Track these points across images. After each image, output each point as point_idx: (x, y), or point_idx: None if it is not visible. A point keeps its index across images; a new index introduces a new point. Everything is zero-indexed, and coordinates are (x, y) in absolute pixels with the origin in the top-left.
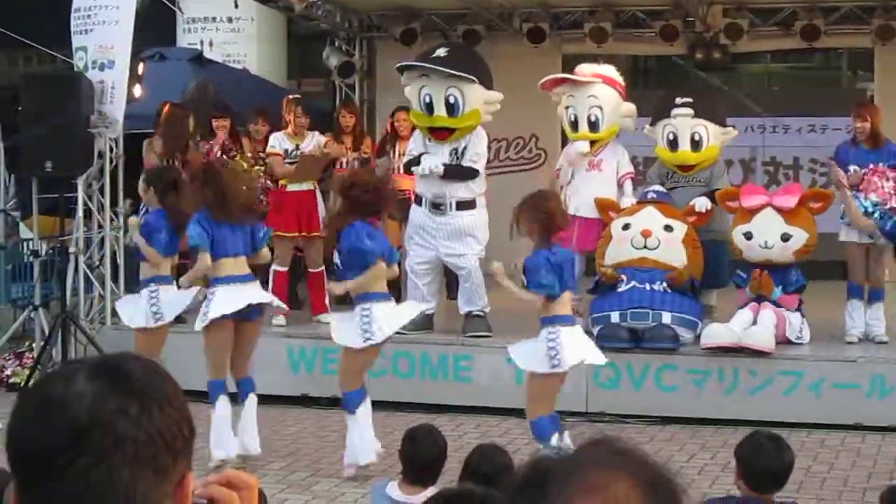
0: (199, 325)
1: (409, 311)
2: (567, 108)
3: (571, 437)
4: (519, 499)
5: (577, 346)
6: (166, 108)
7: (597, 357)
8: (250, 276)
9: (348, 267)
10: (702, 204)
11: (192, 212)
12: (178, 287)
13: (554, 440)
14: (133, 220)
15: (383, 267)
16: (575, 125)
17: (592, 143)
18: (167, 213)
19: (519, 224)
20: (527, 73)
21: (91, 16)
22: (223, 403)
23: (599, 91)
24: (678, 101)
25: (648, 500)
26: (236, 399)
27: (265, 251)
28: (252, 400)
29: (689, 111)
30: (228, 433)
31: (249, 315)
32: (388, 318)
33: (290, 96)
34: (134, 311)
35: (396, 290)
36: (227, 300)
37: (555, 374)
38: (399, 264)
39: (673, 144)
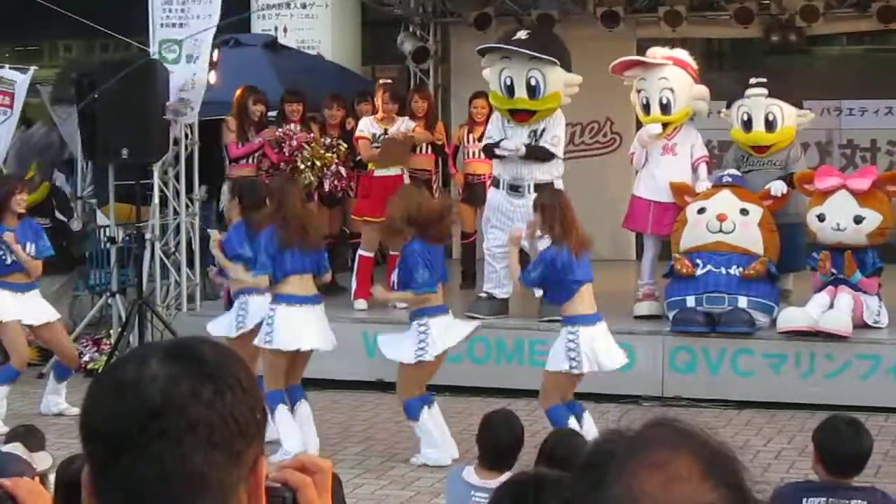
0: (260, 342)
1: (465, 329)
2: (639, 91)
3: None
4: (581, 478)
5: (598, 350)
6: (239, 91)
7: (616, 360)
8: (316, 297)
9: (405, 286)
10: (777, 188)
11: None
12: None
13: (573, 423)
14: (215, 234)
15: (439, 290)
16: (647, 108)
17: (665, 125)
18: (248, 226)
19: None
20: (601, 58)
21: (185, 10)
22: (282, 410)
23: (670, 73)
24: (752, 80)
25: (709, 476)
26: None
27: (327, 276)
28: (304, 405)
29: (764, 91)
30: (296, 429)
31: None
32: (445, 332)
33: (381, 81)
34: (224, 322)
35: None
36: (290, 333)
37: (573, 375)
38: (472, 248)
39: (747, 125)
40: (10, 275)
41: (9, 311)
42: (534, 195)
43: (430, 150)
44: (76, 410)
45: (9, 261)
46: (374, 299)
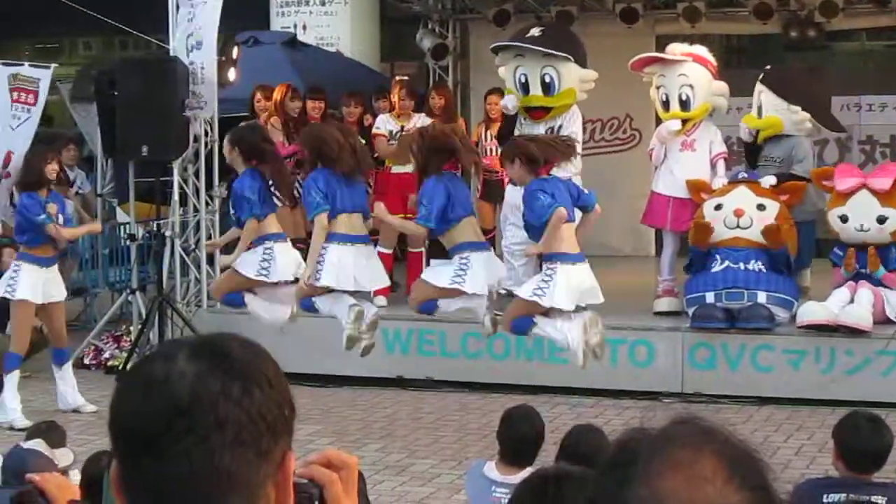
0: (307, 276)
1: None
2: (658, 87)
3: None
4: (606, 477)
5: (569, 289)
6: (278, 91)
7: (590, 298)
8: (365, 237)
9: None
10: (766, 181)
11: (282, 168)
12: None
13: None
14: (224, 258)
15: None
16: (666, 105)
17: (684, 122)
18: (255, 173)
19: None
20: (620, 54)
21: (194, 4)
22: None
23: (690, 69)
24: (767, 68)
25: (734, 476)
26: None
27: (370, 221)
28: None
29: (761, 76)
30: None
31: None
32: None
33: (398, 77)
34: (246, 259)
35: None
36: (340, 270)
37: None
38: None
39: (759, 112)
40: (39, 247)
41: (29, 292)
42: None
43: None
44: (93, 407)
45: (43, 219)
46: (375, 215)
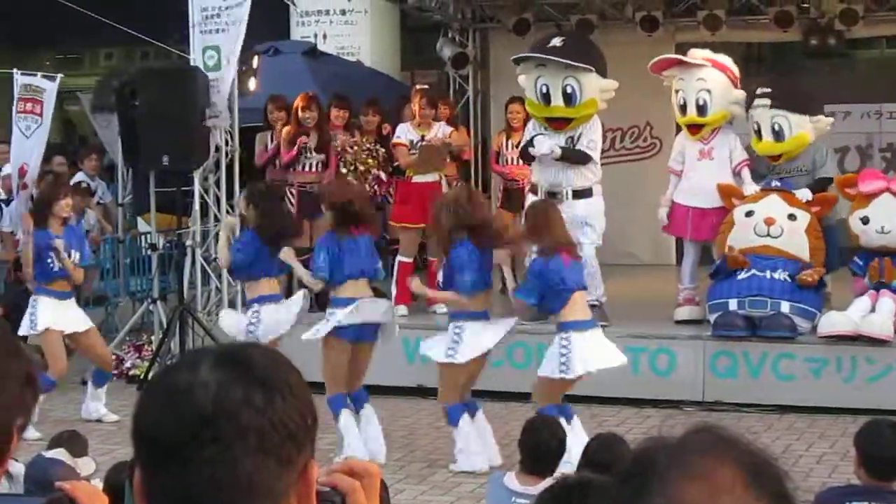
0: (321, 334)
1: (499, 330)
2: (677, 91)
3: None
4: (624, 487)
5: (589, 353)
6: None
7: (613, 360)
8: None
9: (449, 285)
10: (802, 195)
11: (292, 233)
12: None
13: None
14: (228, 220)
15: (481, 296)
16: (684, 109)
17: (701, 127)
18: (255, 235)
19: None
20: (640, 63)
21: (221, 15)
22: (346, 414)
23: (708, 74)
24: (758, 91)
25: (753, 485)
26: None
27: (380, 280)
28: (370, 410)
29: (766, 101)
30: (358, 436)
31: (365, 336)
32: (479, 336)
33: (418, 86)
34: (234, 322)
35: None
36: (346, 316)
37: (564, 380)
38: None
39: (759, 135)
40: (54, 282)
41: (52, 320)
42: (574, 201)
43: (448, 159)
44: (115, 417)
45: (56, 268)
46: (412, 290)
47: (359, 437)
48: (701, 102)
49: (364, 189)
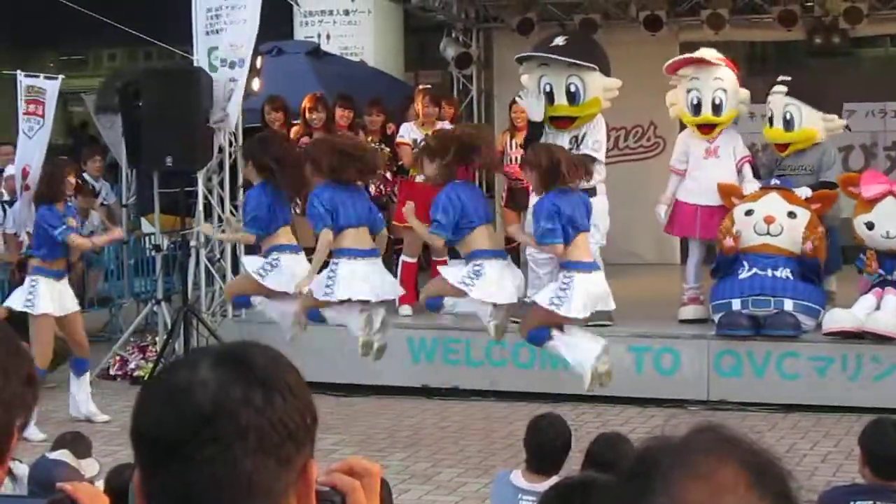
0: (319, 295)
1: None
2: (689, 90)
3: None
4: (627, 487)
5: (588, 297)
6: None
7: (606, 305)
8: (375, 251)
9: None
10: (802, 194)
11: (295, 187)
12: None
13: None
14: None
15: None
16: (697, 108)
17: (714, 126)
18: (264, 188)
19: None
20: (644, 62)
21: (221, 15)
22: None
23: (725, 74)
24: (779, 78)
25: (756, 485)
26: None
27: (383, 234)
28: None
29: (784, 89)
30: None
31: None
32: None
33: (421, 86)
34: (253, 262)
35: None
36: (352, 281)
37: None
38: (517, 253)
39: (771, 122)
40: (55, 261)
41: (49, 305)
42: None
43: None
44: (105, 417)
45: (63, 238)
46: (405, 212)
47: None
48: (717, 101)
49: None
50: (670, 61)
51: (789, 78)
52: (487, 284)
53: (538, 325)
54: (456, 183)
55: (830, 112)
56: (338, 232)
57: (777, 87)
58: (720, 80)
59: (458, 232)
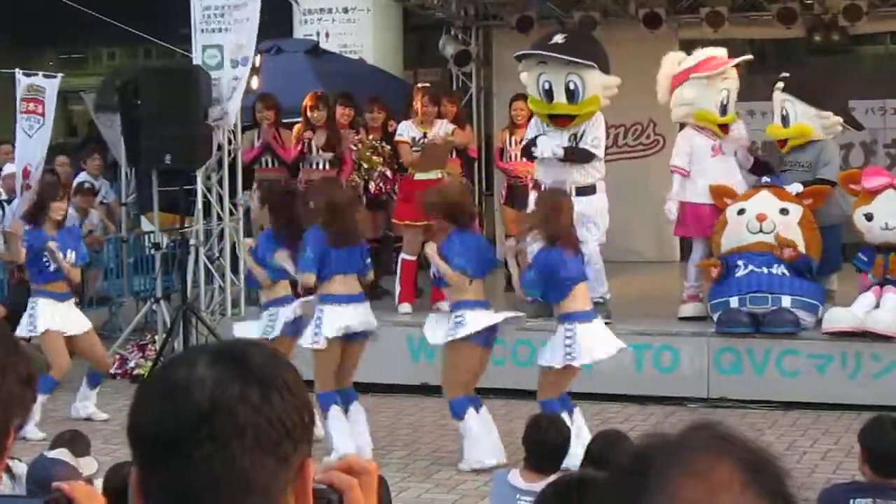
0: (307, 343)
1: (497, 315)
2: (721, 91)
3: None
4: (622, 486)
5: (594, 342)
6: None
7: (614, 346)
8: (360, 295)
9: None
10: (793, 189)
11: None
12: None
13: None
14: (247, 241)
15: (477, 283)
16: (724, 109)
17: (727, 128)
18: (279, 233)
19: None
20: (644, 59)
21: (225, 14)
22: (336, 410)
23: (732, 74)
24: (781, 75)
25: (752, 483)
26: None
27: (370, 275)
28: (358, 407)
29: (781, 85)
30: (347, 430)
31: (356, 335)
32: (478, 319)
33: (420, 84)
34: (253, 329)
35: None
36: (336, 321)
37: (569, 368)
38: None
39: (785, 121)
40: (51, 283)
41: (51, 321)
42: (578, 198)
43: (454, 155)
44: (105, 415)
45: (52, 268)
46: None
47: (348, 433)
48: (724, 103)
49: (354, 201)
50: (724, 67)
51: (787, 75)
52: (473, 321)
53: (553, 396)
54: (460, 233)
55: (835, 110)
56: (326, 278)
57: (777, 85)
58: (729, 80)
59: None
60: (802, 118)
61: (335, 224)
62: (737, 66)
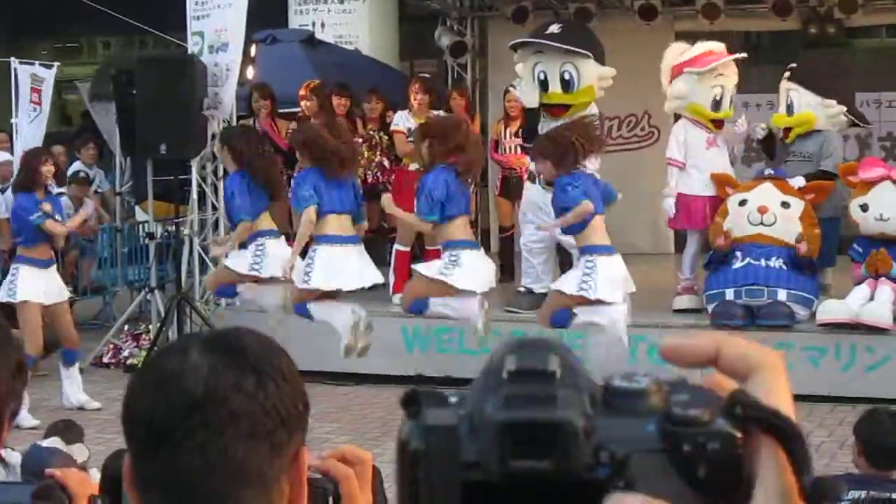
0: (298, 282)
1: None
2: (713, 87)
3: None
4: None
5: (613, 280)
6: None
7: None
8: (354, 237)
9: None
10: (795, 183)
11: (271, 171)
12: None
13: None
14: (215, 249)
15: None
16: (718, 104)
17: (723, 123)
18: (246, 174)
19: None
20: (639, 51)
21: (207, 1)
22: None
23: (728, 70)
24: (789, 65)
25: None
26: None
27: (364, 224)
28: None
29: (787, 74)
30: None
31: None
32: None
33: (417, 75)
34: (237, 257)
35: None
36: (330, 273)
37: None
38: (511, 242)
39: (789, 110)
40: (36, 248)
41: (31, 292)
42: None
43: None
44: (97, 404)
45: (43, 221)
46: (383, 205)
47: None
48: (718, 98)
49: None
50: (714, 64)
51: (795, 65)
52: (465, 273)
53: (561, 308)
54: (442, 168)
55: (843, 103)
56: (320, 217)
57: (785, 74)
58: (735, 77)
59: (439, 219)
60: (806, 106)
61: (319, 154)
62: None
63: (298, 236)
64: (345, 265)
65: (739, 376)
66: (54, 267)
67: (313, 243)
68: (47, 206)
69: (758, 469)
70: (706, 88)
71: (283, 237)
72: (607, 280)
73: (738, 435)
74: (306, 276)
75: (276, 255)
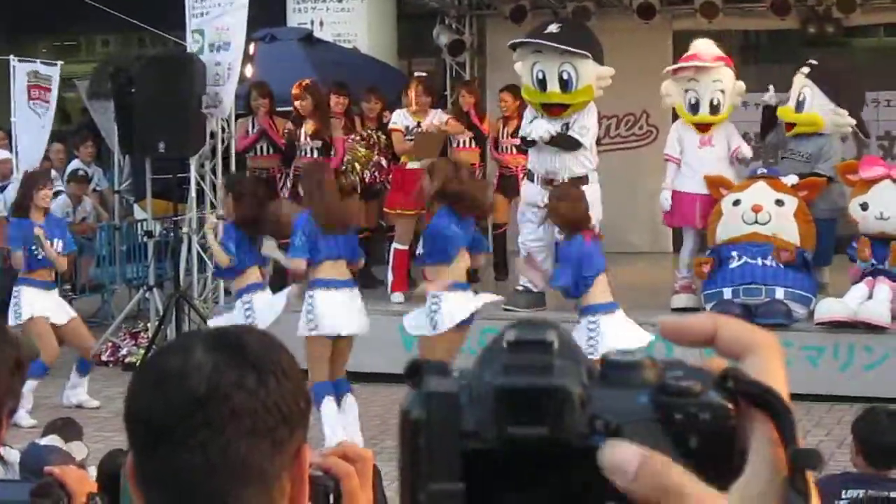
0: (303, 331)
1: (478, 301)
2: (687, 91)
3: None
4: None
5: (618, 334)
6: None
7: (641, 339)
8: (351, 281)
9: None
10: (788, 181)
11: (267, 219)
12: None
13: None
14: (212, 220)
15: (466, 257)
16: (695, 108)
17: (711, 125)
18: (237, 224)
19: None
20: (637, 50)
21: (214, 3)
22: (329, 402)
23: (724, 74)
24: (808, 60)
25: None
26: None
27: (360, 262)
28: (351, 399)
29: (806, 70)
30: (339, 425)
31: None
32: (457, 307)
33: (416, 74)
34: (227, 318)
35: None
36: (332, 318)
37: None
38: (504, 239)
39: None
40: (37, 271)
41: (35, 307)
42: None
43: (473, 144)
44: (96, 403)
45: (39, 256)
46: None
47: (340, 424)
48: (715, 102)
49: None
50: (671, 68)
51: (815, 62)
52: (452, 309)
53: None
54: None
55: (851, 99)
56: (316, 263)
57: (803, 69)
58: (719, 82)
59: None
60: (816, 108)
61: (323, 209)
62: (679, 69)
63: (282, 261)
64: (340, 309)
65: (735, 356)
66: (55, 291)
67: (308, 289)
68: (39, 231)
69: (750, 442)
70: (680, 91)
71: (267, 290)
72: (612, 336)
73: (730, 406)
74: (311, 323)
75: (263, 306)
